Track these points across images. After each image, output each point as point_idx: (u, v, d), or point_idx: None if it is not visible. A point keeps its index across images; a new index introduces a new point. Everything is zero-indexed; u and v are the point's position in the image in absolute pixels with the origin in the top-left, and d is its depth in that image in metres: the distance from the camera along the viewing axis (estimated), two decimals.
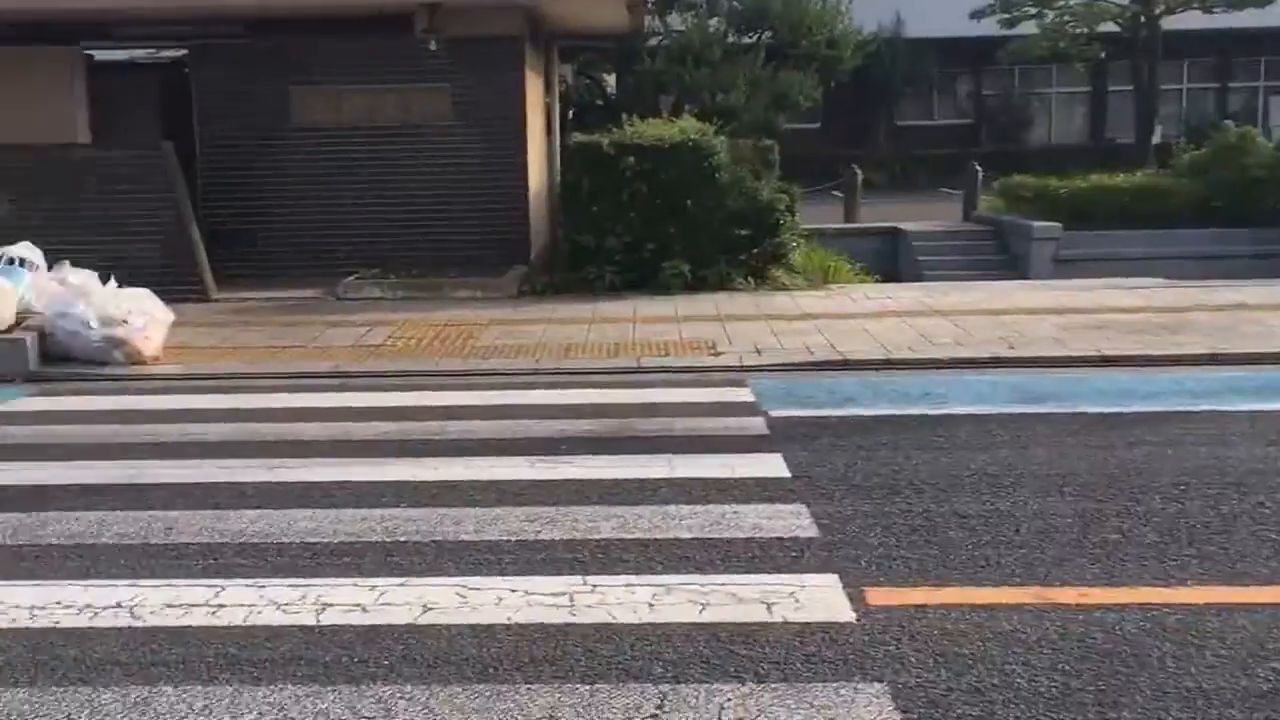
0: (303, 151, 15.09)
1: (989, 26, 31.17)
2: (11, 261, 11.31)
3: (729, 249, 13.89)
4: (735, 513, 5.90)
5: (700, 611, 4.69)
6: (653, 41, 24.54)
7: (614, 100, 25.58)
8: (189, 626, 4.66)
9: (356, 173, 15.08)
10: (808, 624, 4.54)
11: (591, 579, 5.06)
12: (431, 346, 10.84)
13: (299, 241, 15.05)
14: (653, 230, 13.72)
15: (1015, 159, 28.57)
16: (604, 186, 13.75)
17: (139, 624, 4.69)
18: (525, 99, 15.19)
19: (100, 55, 16.34)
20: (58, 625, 4.70)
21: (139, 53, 17.72)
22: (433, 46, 14.64)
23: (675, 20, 24.94)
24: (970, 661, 4.22)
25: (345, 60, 15.00)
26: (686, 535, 5.59)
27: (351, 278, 13.96)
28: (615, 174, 13.67)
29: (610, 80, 27.79)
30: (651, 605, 4.76)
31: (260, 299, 13.47)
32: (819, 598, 4.80)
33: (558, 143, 18.18)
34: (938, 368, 9.62)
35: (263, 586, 5.05)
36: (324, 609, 4.80)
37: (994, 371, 9.41)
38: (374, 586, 5.02)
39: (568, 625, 4.60)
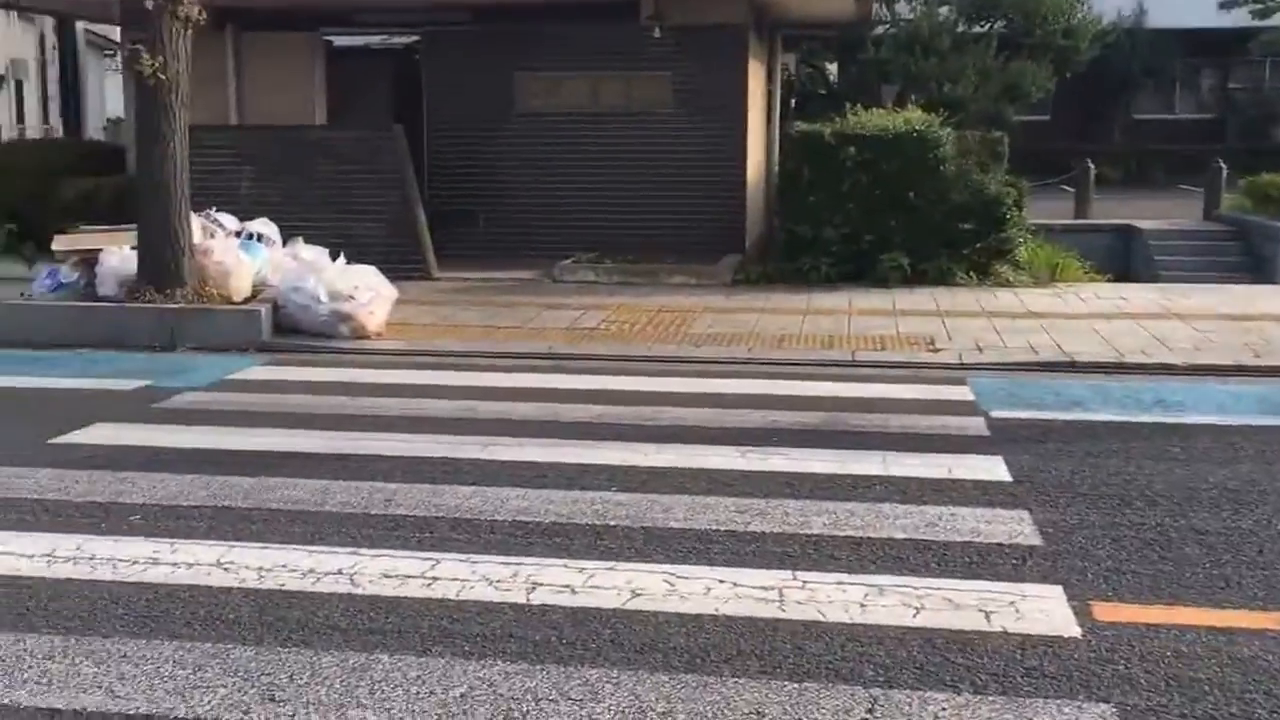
0: (525, 136, 15.32)
1: (1239, 17, 29.71)
2: (251, 236, 11.79)
3: (951, 243, 13.56)
4: (952, 515, 5.73)
5: (914, 615, 4.56)
6: (879, 30, 24.16)
7: (836, 89, 25.30)
8: (404, 597, 4.74)
9: (576, 158, 15.23)
10: (1029, 636, 4.36)
11: (801, 574, 4.97)
12: (645, 332, 10.87)
13: (518, 224, 15.29)
14: (872, 222, 13.47)
15: (1263, 156, 27.11)
16: (823, 176, 13.57)
17: (358, 591, 4.80)
18: (747, 87, 15.11)
19: (339, 41, 16.87)
20: (283, 588, 4.84)
21: (374, 39, 18.22)
22: (656, 34, 14.68)
23: (903, 8, 24.50)
24: (1206, 687, 3.99)
25: (569, 47, 15.16)
26: (900, 535, 5.45)
27: (568, 261, 14.10)
28: (836, 164, 13.49)
29: (833, 69, 27.49)
30: (863, 605, 4.65)
31: (479, 279, 13.72)
32: (1042, 609, 4.61)
33: (777, 132, 18.04)
34: (1173, 374, 9.19)
35: (476, 562, 5.11)
36: (534, 588, 4.82)
37: (1236, 380, 8.95)
38: (583, 569, 5.03)
39: (776, 620, 4.52)
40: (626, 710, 3.84)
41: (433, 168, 15.46)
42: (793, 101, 23.16)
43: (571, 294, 12.81)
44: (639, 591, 4.78)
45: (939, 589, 4.81)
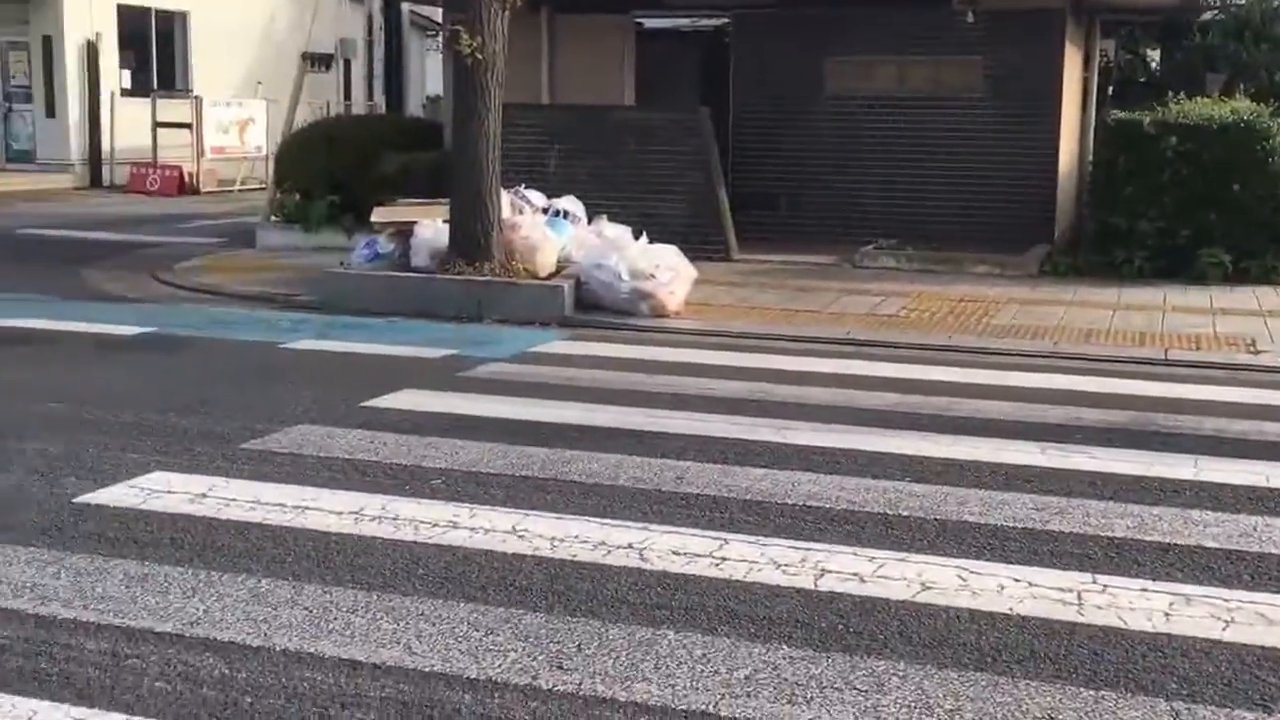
0: (831, 120, 15.18)
1: None
2: (558, 214, 12.09)
3: (1279, 239, 12.76)
4: (1269, 526, 5.40)
5: (1223, 629, 4.31)
6: (1206, 15, 22.88)
7: (1157, 77, 24.12)
8: (692, 575, 4.76)
9: (881, 143, 15.00)
10: None
11: (1102, 578, 4.77)
12: (945, 321, 10.64)
13: (819, 208, 15.18)
14: (1190, 215, 12.79)
15: None
16: (1140, 167, 12.96)
17: (647, 567, 4.85)
18: (1062, 74, 14.55)
19: (649, 23, 17.10)
20: (574, 559, 4.94)
21: (683, 21, 18.39)
22: (970, 18, 14.29)
23: None
24: None
25: (878, 31, 14.92)
26: (1211, 544, 5.17)
27: (869, 246, 13.92)
28: (1154, 154, 12.87)
29: (1154, 56, 26.23)
30: (1167, 615, 4.43)
31: (778, 262, 13.69)
32: None
33: (1093, 120, 17.33)
34: None
35: (764, 545, 5.09)
36: (822, 574, 4.78)
37: None
38: (873, 558, 4.95)
39: (1074, 624, 4.35)
40: (912, 704, 3.76)
41: (736, 150, 15.50)
42: (1109, 89, 22.21)
43: (871, 280, 12.65)
44: (929, 585, 4.68)
45: (1251, 603, 4.53)
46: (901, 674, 3.96)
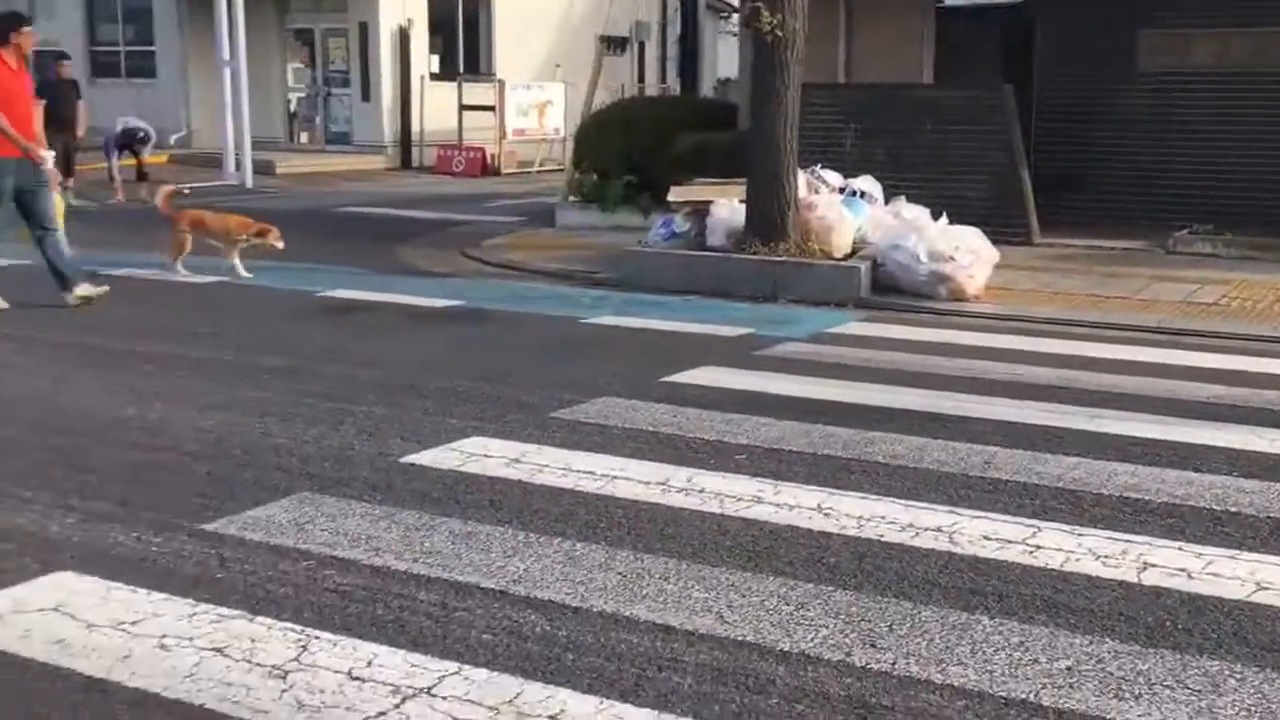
0: (1143, 98, 14.50)
1: None
2: (854, 194, 11.96)
3: None
4: None
5: None
6: None
7: None
8: (1005, 562, 4.64)
9: (1198, 122, 14.24)
10: None
11: None
12: (1272, 311, 10.04)
13: (1128, 190, 14.52)
14: None
15: None
16: None
17: (957, 550, 4.75)
18: None
19: (948, 1, 16.73)
20: (881, 539, 4.88)
21: None
22: None
23: None
24: None
25: (1197, 1, 14.15)
26: None
27: (1183, 231, 13.26)
28: None
29: None
30: None
31: (1082, 246, 13.20)
32: None
33: None
34: None
35: (1080, 534, 4.92)
36: (1145, 568, 4.57)
37: None
38: (1200, 554, 4.71)
39: None
40: (1252, 708, 3.56)
41: (1040, 130, 14.99)
42: None
43: (1184, 267, 12.04)
44: (1265, 585, 4.42)
45: None
46: (1239, 675, 3.76)
